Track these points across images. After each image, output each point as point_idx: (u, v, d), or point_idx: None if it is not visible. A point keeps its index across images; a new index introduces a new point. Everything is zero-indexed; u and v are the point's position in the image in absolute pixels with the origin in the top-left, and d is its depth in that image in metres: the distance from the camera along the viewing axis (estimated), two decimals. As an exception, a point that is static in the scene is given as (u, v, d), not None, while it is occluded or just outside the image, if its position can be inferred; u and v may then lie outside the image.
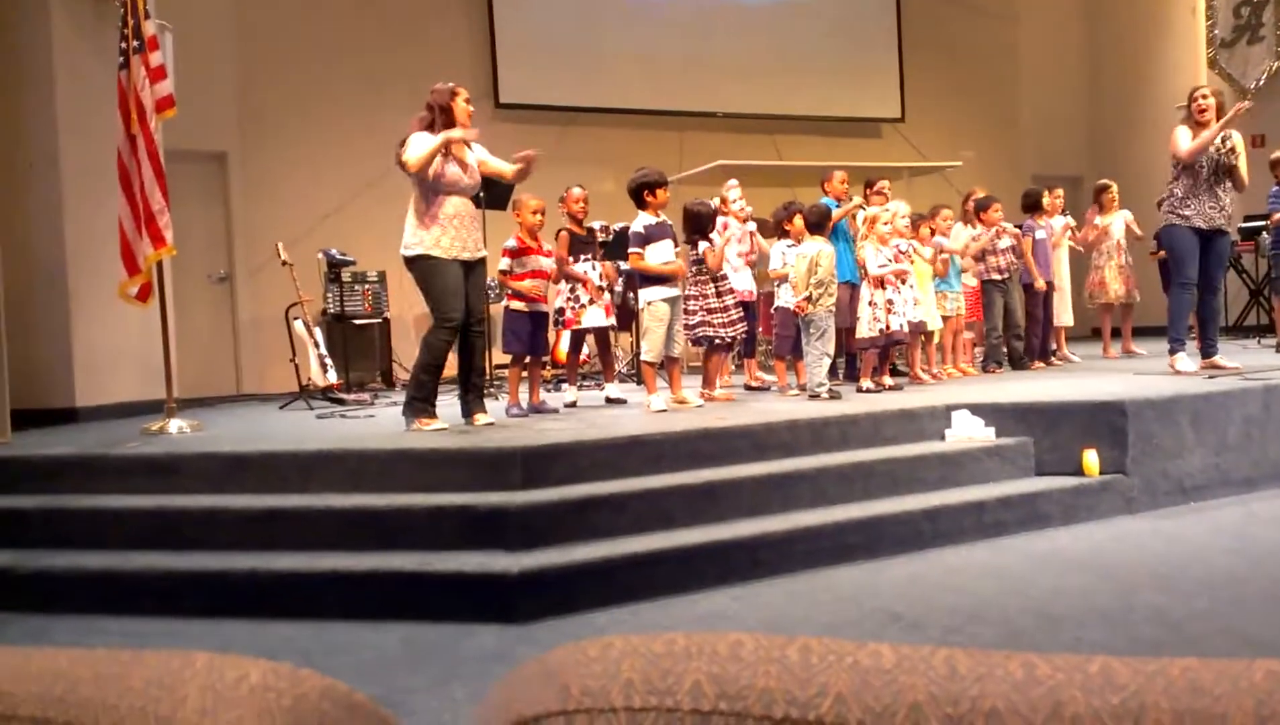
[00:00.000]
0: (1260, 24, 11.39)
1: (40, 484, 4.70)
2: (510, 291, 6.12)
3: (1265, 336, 9.53)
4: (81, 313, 6.86)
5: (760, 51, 11.67)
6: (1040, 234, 7.90)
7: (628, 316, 8.04)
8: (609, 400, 6.54)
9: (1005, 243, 7.65)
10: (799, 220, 6.42)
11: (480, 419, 5.32)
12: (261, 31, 9.55)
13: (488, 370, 6.72)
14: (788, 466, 4.65)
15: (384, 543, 4.03)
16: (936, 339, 7.34)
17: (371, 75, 9.52)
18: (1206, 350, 6.55)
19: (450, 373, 5.60)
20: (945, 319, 7.29)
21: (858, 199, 7.32)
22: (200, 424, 5.90)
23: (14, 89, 6.87)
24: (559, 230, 6.49)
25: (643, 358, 6.08)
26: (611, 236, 7.51)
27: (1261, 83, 11.31)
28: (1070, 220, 8.59)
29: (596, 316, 6.38)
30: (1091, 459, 5.05)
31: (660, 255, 5.87)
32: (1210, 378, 5.98)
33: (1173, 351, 6.48)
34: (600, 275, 6.46)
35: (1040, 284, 7.81)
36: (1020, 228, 7.91)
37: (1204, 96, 6.36)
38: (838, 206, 7.12)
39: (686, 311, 6.13)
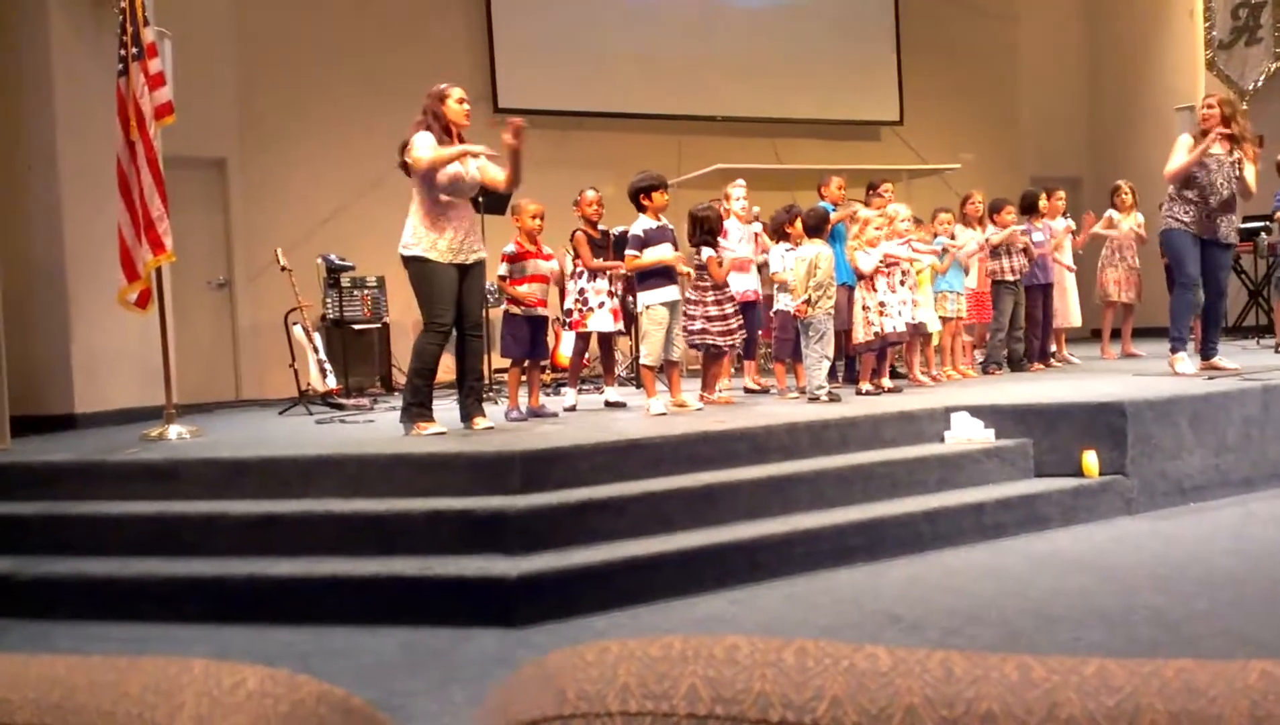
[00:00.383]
0: (1258, 25, 11.39)
1: (39, 490, 4.70)
2: (508, 296, 6.11)
3: (1264, 337, 9.53)
4: (80, 318, 6.86)
5: (759, 55, 11.67)
6: (1038, 236, 7.90)
7: (627, 320, 8.05)
8: (608, 404, 6.54)
9: (1017, 246, 7.66)
10: (799, 223, 6.43)
11: (479, 423, 5.32)
12: (260, 37, 9.56)
13: (486, 374, 6.73)
14: (787, 469, 4.65)
15: (383, 547, 4.03)
16: (935, 341, 7.34)
17: (370, 80, 9.52)
18: (1206, 352, 6.57)
19: (449, 377, 5.60)
20: (945, 321, 7.29)
21: (856, 204, 7.32)
22: (200, 430, 5.89)
23: (12, 93, 6.87)
24: (574, 231, 6.50)
25: (642, 361, 6.08)
26: (613, 241, 7.51)
27: (1260, 84, 11.32)
28: (1071, 222, 8.58)
29: (604, 321, 6.39)
30: (1091, 460, 5.05)
31: (654, 257, 5.87)
32: (1210, 379, 5.99)
33: (1174, 350, 6.50)
34: (611, 279, 6.46)
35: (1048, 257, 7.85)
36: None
37: (1208, 106, 6.37)
38: (835, 211, 7.13)
39: (686, 316, 6.13)
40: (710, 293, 6.14)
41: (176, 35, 7.43)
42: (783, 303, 6.61)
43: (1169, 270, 8.10)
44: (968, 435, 5.17)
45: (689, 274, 6.14)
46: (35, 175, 6.84)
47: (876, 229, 6.46)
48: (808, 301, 6.03)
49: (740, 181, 7.48)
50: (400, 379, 8.77)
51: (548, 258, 6.24)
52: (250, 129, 9.55)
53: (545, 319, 6.25)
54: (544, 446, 4.46)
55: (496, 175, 5.31)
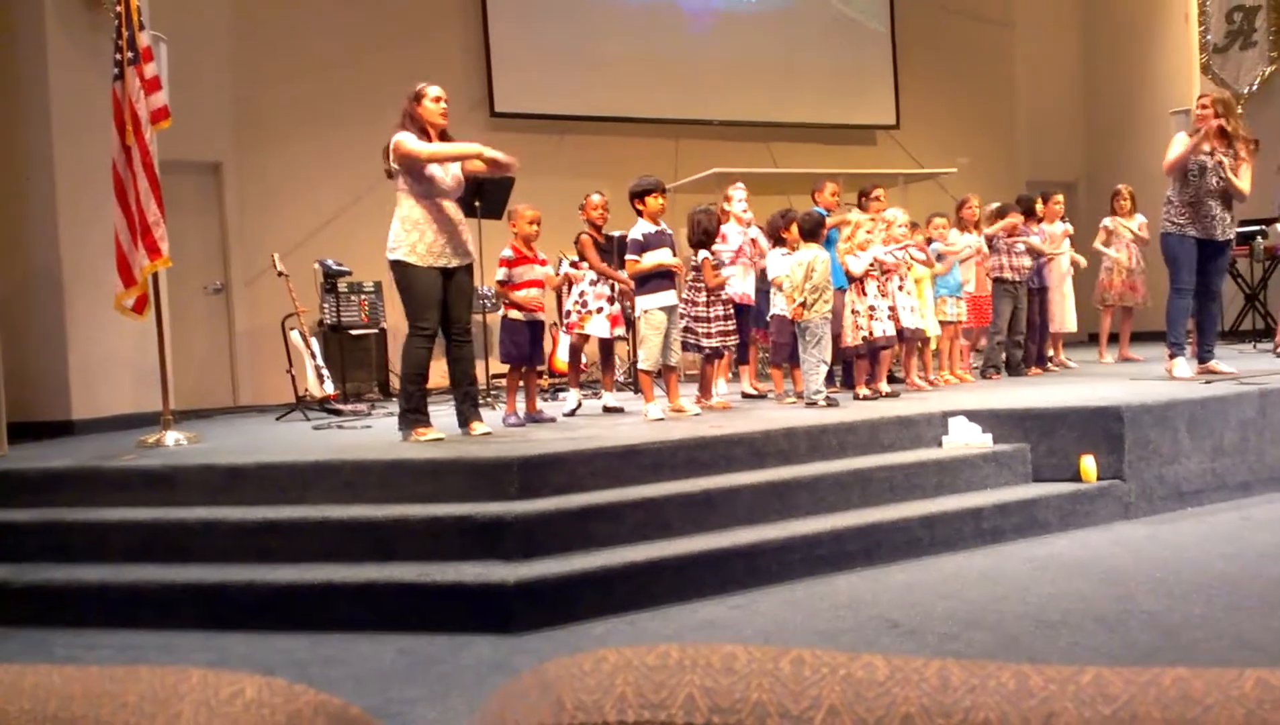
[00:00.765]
0: (1253, 29, 11.43)
1: (36, 497, 4.69)
2: (507, 301, 6.12)
3: (1261, 341, 9.55)
4: (77, 324, 6.86)
5: (755, 59, 11.70)
6: (1034, 240, 7.91)
7: (625, 325, 8.05)
8: (606, 409, 6.54)
9: (1020, 246, 7.66)
10: (795, 228, 6.44)
11: (476, 428, 5.30)
12: (256, 42, 9.56)
13: (484, 379, 6.72)
14: (785, 474, 4.65)
15: (381, 553, 4.02)
16: (933, 345, 7.35)
17: (366, 85, 9.52)
18: (1203, 356, 6.58)
19: (446, 383, 5.58)
20: (944, 325, 7.30)
21: (854, 209, 7.33)
22: (197, 436, 5.89)
23: (8, 98, 6.87)
24: (579, 235, 6.50)
25: (639, 366, 6.08)
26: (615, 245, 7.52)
27: (1255, 88, 11.35)
28: (1069, 226, 8.59)
29: (600, 327, 6.39)
30: (1088, 465, 5.05)
31: (654, 261, 5.87)
32: (1207, 383, 5.99)
33: (1171, 356, 6.51)
34: (613, 286, 6.46)
35: (1043, 248, 7.83)
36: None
37: (1202, 106, 6.40)
38: (829, 216, 7.13)
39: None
40: (702, 294, 6.15)
41: (172, 40, 7.44)
42: (780, 307, 6.62)
43: None
44: (965, 440, 5.18)
45: (684, 273, 6.14)
46: (32, 180, 6.84)
47: (868, 232, 6.47)
48: (803, 304, 6.04)
49: (740, 185, 7.48)
50: (397, 384, 8.77)
51: (543, 263, 6.25)
52: (246, 134, 9.56)
53: (542, 323, 6.26)
54: (542, 452, 4.45)
55: (465, 150, 5.22)
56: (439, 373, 5.56)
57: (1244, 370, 6.51)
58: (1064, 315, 8.42)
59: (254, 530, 4.19)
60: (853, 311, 6.41)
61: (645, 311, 5.90)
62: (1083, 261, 8.59)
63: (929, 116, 12.52)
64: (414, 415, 5.17)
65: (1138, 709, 0.53)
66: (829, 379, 6.44)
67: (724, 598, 3.94)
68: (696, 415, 5.87)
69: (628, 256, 5.94)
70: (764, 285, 7.01)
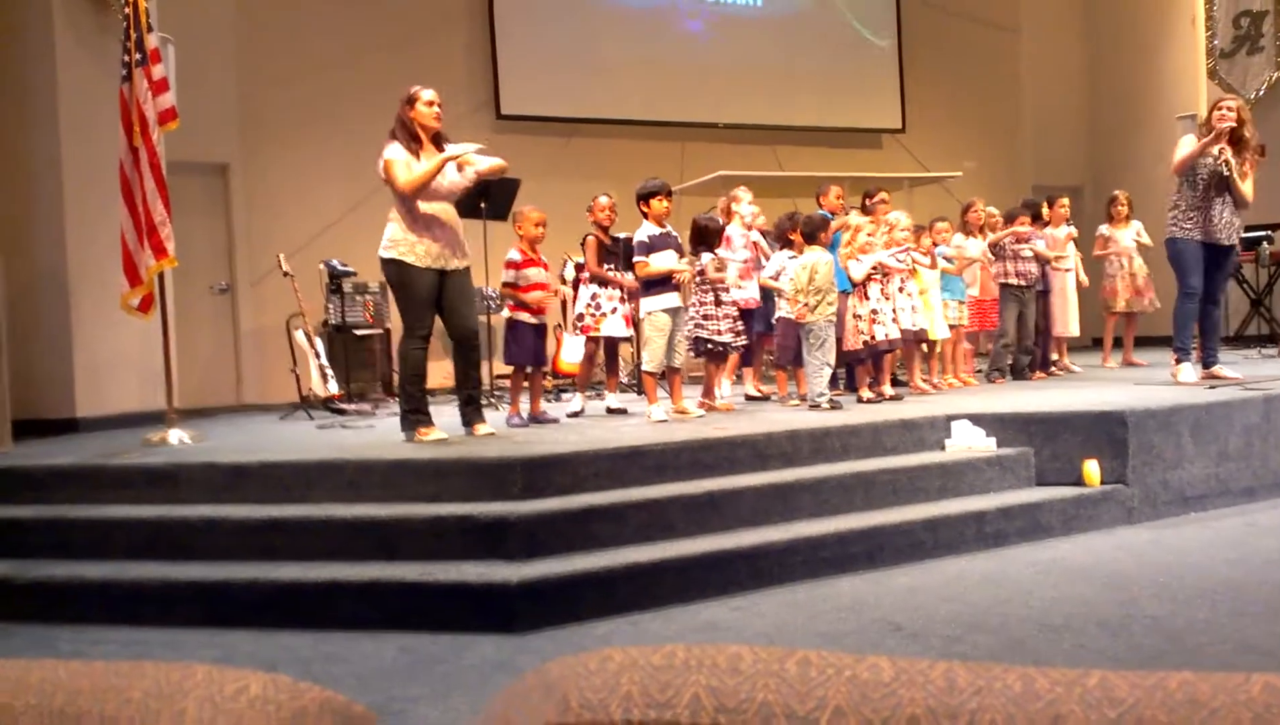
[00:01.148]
0: (1260, 34, 11.41)
1: (41, 494, 4.70)
2: (513, 303, 6.12)
3: (1266, 346, 9.53)
4: (83, 323, 6.87)
5: (761, 62, 11.69)
6: (1040, 244, 7.90)
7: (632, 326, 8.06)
8: (610, 410, 6.54)
9: (1028, 253, 7.65)
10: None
11: (480, 429, 5.30)
12: (263, 44, 9.58)
13: (487, 380, 6.72)
14: (788, 476, 4.64)
15: (384, 552, 4.03)
16: (938, 348, 7.34)
17: (372, 86, 9.52)
18: (1207, 360, 6.56)
19: (449, 383, 5.58)
20: (951, 327, 7.30)
21: (855, 216, 7.32)
22: (201, 434, 5.90)
23: (17, 98, 6.89)
24: (585, 236, 6.49)
25: (643, 368, 6.08)
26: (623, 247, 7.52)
27: (1262, 93, 11.33)
28: (1074, 230, 8.58)
29: (616, 326, 6.40)
30: (1092, 469, 5.05)
31: (664, 264, 5.89)
32: (1211, 388, 5.98)
33: (1177, 361, 6.50)
34: (621, 287, 6.46)
35: (1048, 255, 7.82)
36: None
37: (1227, 107, 6.35)
38: (833, 219, 7.13)
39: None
40: (710, 294, 6.16)
41: (180, 41, 7.45)
42: (784, 310, 6.62)
43: None
44: (969, 443, 5.17)
45: (693, 277, 6.15)
46: (39, 180, 6.86)
47: (869, 236, 6.46)
48: (806, 306, 6.04)
49: (744, 188, 7.48)
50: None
51: (545, 267, 6.26)
52: (253, 134, 9.57)
53: (545, 325, 6.27)
54: (545, 452, 4.46)
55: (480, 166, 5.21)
56: (443, 373, 5.56)
57: (1249, 376, 6.49)
58: (1066, 319, 8.40)
59: (257, 528, 4.19)
60: (854, 315, 6.40)
61: (649, 313, 5.90)
62: (1085, 281, 8.59)
63: (934, 120, 12.51)
64: (416, 416, 5.16)
65: (1144, 712, 0.53)
66: (832, 382, 6.43)
67: (726, 599, 3.93)
68: (700, 417, 5.87)
69: (635, 258, 5.94)
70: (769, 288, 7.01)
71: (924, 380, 7.13)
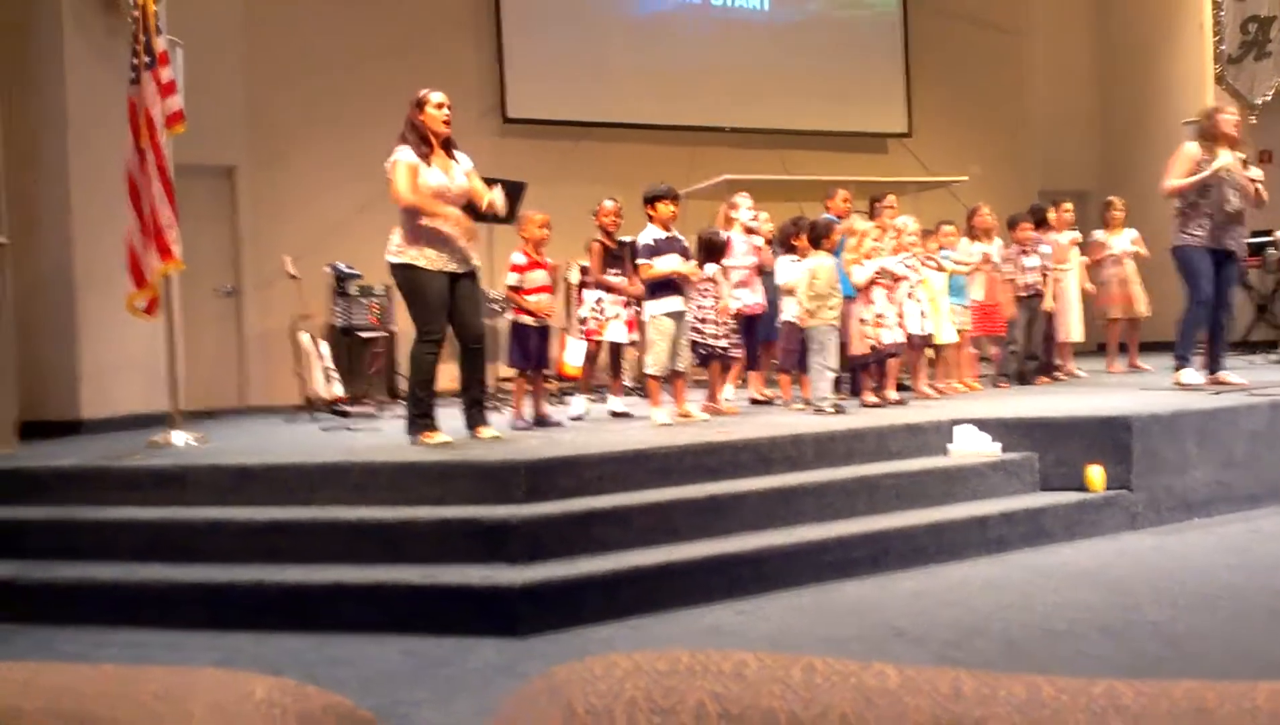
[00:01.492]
0: (1268, 40, 11.39)
1: (46, 495, 4.71)
2: (517, 306, 6.12)
3: (1272, 351, 9.50)
4: (89, 324, 6.88)
5: (767, 67, 11.69)
6: (1045, 249, 7.89)
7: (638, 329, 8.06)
8: (613, 414, 6.54)
9: (1033, 261, 7.64)
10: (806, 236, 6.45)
11: (484, 432, 5.29)
12: (271, 47, 9.59)
13: (492, 383, 6.72)
14: (792, 481, 4.64)
15: (388, 555, 4.03)
16: (943, 352, 7.33)
17: (380, 90, 9.52)
18: (1213, 365, 6.53)
19: (454, 387, 5.59)
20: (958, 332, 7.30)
21: (858, 221, 7.31)
22: (206, 436, 5.90)
23: (25, 99, 6.91)
24: (590, 240, 6.50)
25: (647, 371, 6.08)
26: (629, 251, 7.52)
27: (1269, 98, 11.31)
28: (1078, 235, 8.56)
29: (619, 331, 6.40)
30: (1096, 474, 5.03)
31: (667, 267, 5.89)
32: (1216, 393, 5.97)
33: (1178, 367, 6.45)
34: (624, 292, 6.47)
35: (1049, 304, 7.79)
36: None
37: (1232, 112, 6.35)
38: (840, 223, 7.13)
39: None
40: (709, 298, 6.18)
41: (188, 44, 7.46)
42: (789, 314, 6.61)
43: None
44: (973, 448, 5.16)
45: (697, 281, 6.16)
46: (46, 182, 6.88)
47: (875, 240, 6.46)
48: (808, 311, 6.05)
49: (744, 194, 7.46)
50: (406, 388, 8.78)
51: (551, 269, 6.26)
52: (260, 138, 9.58)
53: (549, 328, 6.27)
54: (549, 456, 4.46)
55: (478, 189, 5.22)
56: (448, 376, 5.56)
57: (1255, 381, 6.46)
58: (1069, 324, 8.39)
59: (262, 531, 4.20)
60: (859, 320, 6.39)
61: (653, 317, 5.90)
62: (1091, 287, 8.58)
63: (941, 125, 12.50)
64: (422, 419, 5.16)
65: (1149, 721, 0.53)
66: (837, 386, 6.43)
67: (730, 603, 3.93)
68: (704, 421, 5.87)
69: (639, 261, 5.95)
70: (774, 293, 7.01)
71: (928, 384, 7.12)
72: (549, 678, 0.65)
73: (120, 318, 6.10)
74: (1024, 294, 7.61)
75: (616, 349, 6.78)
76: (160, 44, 5.77)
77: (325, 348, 7.88)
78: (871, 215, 7.37)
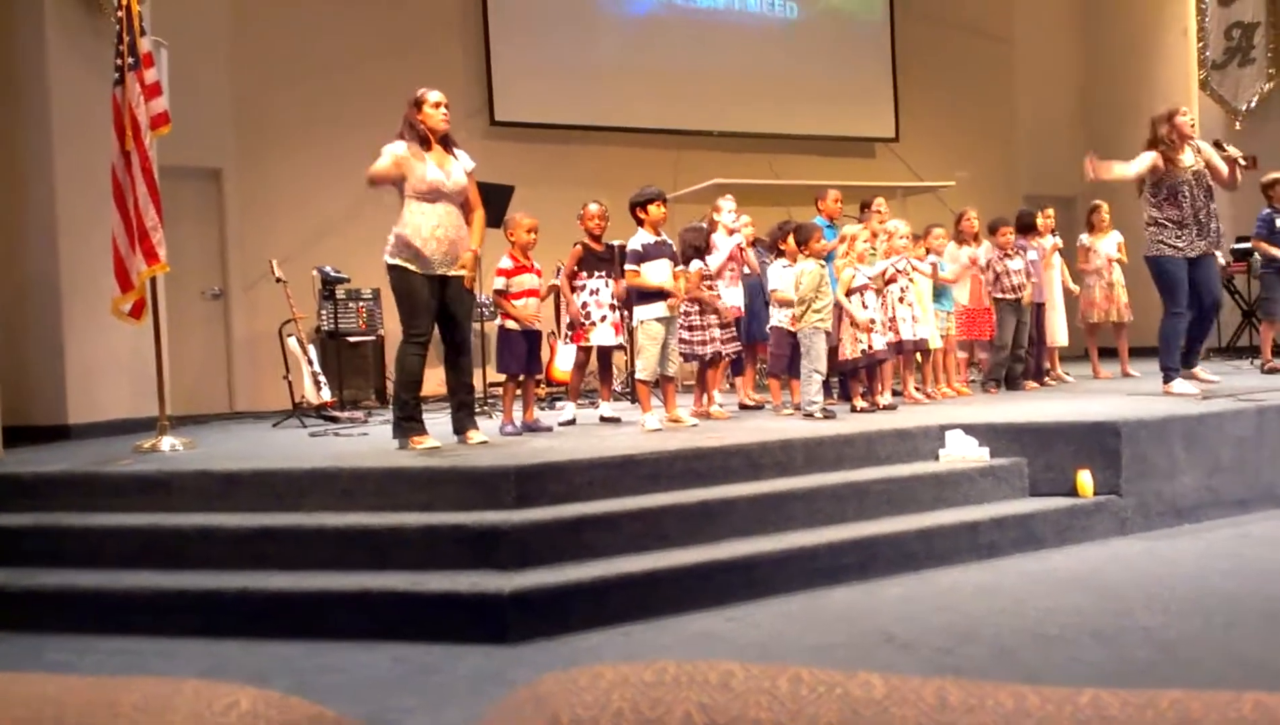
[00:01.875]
0: (1251, 46, 11.47)
1: (32, 502, 4.68)
2: (505, 311, 6.11)
3: (1258, 357, 9.55)
4: (74, 328, 6.85)
5: (756, 71, 11.72)
6: (1033, 254, 7.92)
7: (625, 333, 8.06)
8: (603, 419, 6.53)
9: (1017, 264, 7.66)
10: (791, 240, 6.47)
11: (473, 437, 5.29)
12: (257, 49, 9.57)
13: (481, 388, 6.71)
14: (782, 486, 4.64)
15: (376, 562, 4.02)
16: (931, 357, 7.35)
17: (367, 93, 9.53)
18: (1187, 359, 6.52)
19: (443, 391, 5.58)
20: (941, 337, 7.31)
21: (849, 226, 7.33)
22: (193, 441, 5.88)
23: (8, 102, 6.87)
24: (575, 244, 6.50)
25: (637, 376, 6.08)
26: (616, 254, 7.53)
27: (1253, 105, 11.38)
28: (1059, 240, 8.60)
29: (605, 335, 6.39)
30: (1085, 480, 5.05)
31: (657, 274, 5.90)
32: (1205, 398, 5.98)
33: (1166, 380, 6.44)
34: (613, 293, 6.45)
35: (1027, 298, 7.81)
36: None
37: (1184, 113, 6.43)
38: (831, 225, 7.14)
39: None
40: (694, 303, 6.19)
41: (174, 45, 7.44)
42: (777, 318, 6.63)
43: None
44: (962, 454, 5.17)
45: (686, 295, 6.17)
46: (30, 184, 6.84)
47: (865, 243, 6.47)
48: (794, 316, 6.07)
49: (728, 196, 7.47)
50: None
51: (539, 272, 6.25)
52: (246, 140, 9.56)
53: (540, 333, 6.25)
54: (539, 461, 4.45)
55: (473, 201, 5.31)
56: (436, 381, 5.55)
57: (1241, 387, 6.49)
58: (1054, 328, 8.42)
59: (250, 537, 4.18)
60: (850, 324, 6.41)
61: (642, 322, 5.91)
62: (1075, 288, 8.62)
63: (928, 130, 12.55)
64: (409, 423, 5.15)
65: (1136, 730, 0.53)
66: (827, 391, 6.43)
67: (720, 609, 3.93)
68: (694, 426, 5.87)
69: (627, 266, 5.95)
70: (762, 297, 7.02)
71: (918, 389, 7.13)
72: (534, 688, 0.65)
73: (107, 322, 6.08)
74: (1008, 297, 7.64)
75: (606, 354, 6.77)
76: (145, 45, 5.75)
77: (314, 352, 7.86)
78: (861, 220, 7.39)
